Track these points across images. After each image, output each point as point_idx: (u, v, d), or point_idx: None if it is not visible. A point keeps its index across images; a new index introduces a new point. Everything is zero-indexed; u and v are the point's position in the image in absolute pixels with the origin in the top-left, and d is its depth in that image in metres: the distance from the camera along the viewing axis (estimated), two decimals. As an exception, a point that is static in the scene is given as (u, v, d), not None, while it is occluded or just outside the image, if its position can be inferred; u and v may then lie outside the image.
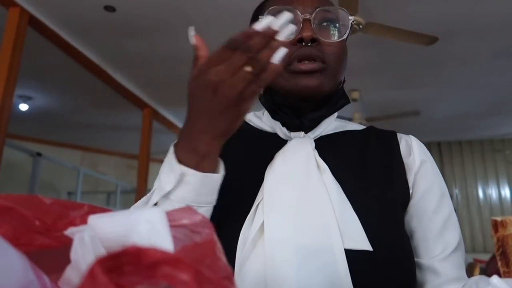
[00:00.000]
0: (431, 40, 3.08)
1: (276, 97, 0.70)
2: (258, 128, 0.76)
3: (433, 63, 4.06)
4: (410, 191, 0.68)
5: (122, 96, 4.58)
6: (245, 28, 0.50)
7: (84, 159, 6.81)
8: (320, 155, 0.66)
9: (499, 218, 0.45)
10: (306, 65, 0.65)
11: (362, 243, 0.57)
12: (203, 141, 0.54)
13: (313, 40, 0.65)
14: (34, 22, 3.14)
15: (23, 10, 3.01)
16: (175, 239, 0.25)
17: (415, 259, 0.66)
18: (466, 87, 4.69)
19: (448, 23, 3.31)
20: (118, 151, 7.10)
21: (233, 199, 0.65)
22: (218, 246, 0.26)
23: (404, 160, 0.70)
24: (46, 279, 0.24)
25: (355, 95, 4.70)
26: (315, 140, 0.70)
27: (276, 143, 0.69)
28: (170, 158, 0.57)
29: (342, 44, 0.69)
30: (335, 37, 0.67)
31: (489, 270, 3.32)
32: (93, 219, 0.25)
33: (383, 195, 0.65)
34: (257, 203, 0.61)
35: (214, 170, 0.57)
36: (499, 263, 0.44)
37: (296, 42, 0.65)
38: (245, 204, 0.62)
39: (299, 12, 0.66)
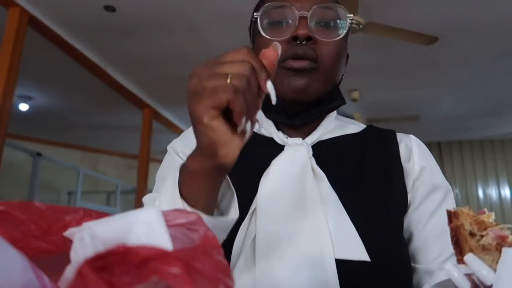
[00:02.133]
0: (431, 40, 3.08)
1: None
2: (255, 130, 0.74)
3: (433, 63, 4.05)
4: (409, 196, 0.66)
5: (122, 96, 4.58)
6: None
7: (84, 159, 6.81)
8: (318, 162, 0.65)
9: (452, 209, 0.47)
10: (297, 63, 0.62)
11: (358, 253, 0.57)
12: (193, 155, 0.47)
13: (308, 38, 0.62)
14: (34, 22, 3.14)
15: (23, 10, 3.01)
16: (174, 238, 0.25)
17: (414, 264, 0.65)
18: (466, 87, 4.69)
19: (448, 23, 3.31)
20: (118, 151, 7.10)
21: None
22: (215, 242, 0.26)
23: (403, 164, 0.68)
24: (45, 279, 0.24)
25: (355, 95, 4.70)
26: (313, 146, 0.68)
27: (272, 149, 0.67)
28: (174, 187, 0.49)
29: (340, 44, 0.65)
30: (332, 36, 0.64)
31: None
32: (90, 224, 0.25)
33: (382, 203, 0.63)
34: (250, 212, 0.61)
35: (213, 204, 0.50)
36: (454, 252, 0.46)
37: (291, 39, 0.63)
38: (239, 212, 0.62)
39: (295, 9, 0.63)
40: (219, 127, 0.42)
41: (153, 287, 0.21)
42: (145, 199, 0.67)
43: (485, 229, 0.44)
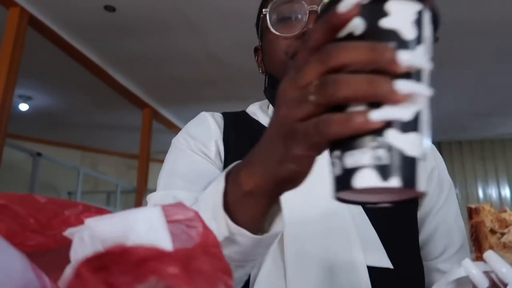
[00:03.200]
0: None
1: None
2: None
3: (434, 62, 4.05)
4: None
5: (122, 96, 4.58)
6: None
7: (84, 159, 6.81)
8: None
9: (473, 205, 0.47)
10: None
11: (383, 260, 0.56)
12: (250, 173, 0.39)
13: None
14: (34, 22, 3.14)
15: (23, 10, 3.01)
16: (172, 235, 0.25)
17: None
18: (466, 86, 4.69)
19: (449, 23, 3.31)
20: (118, 151, 7.10)
21: None
22: (214, 240, 0.26)
23: None
24: (45, 278, 0.24)
25: (355, 95, 4.70)
26: None
27: None
28: (216, 198, 0.42)
29: None
30: None
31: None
32: (90, 221, 0.25)
33: (400, 209, 0.63)
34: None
35: (262, 219, 0.43)
36: (473, 248, 0.46)
37: (301, 35, 0.60)
38: None
39: (305, 4, 0.60)
40: (311, 165, 0.36)
41: (152, 287, 0.21)
42: (152, 199, 0.62)
43: (507, 226, 0.43)
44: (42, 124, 5.81)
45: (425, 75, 0.31)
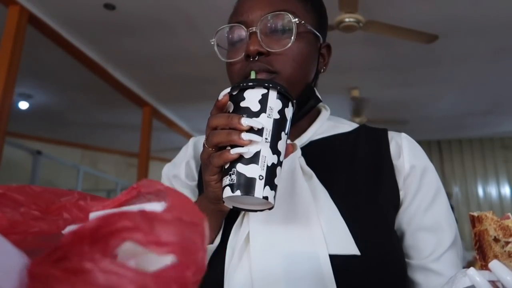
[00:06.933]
0: (431, 38, 3.07)
1: None
2: None
3: (433, 61, 4.05)
4: (401, 193, 0.67)
5: (122, 94, 4.58)
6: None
7: (84, 157, 6.81)
8: (309, 161, 0.66)
9: (476, 214, 0.47)
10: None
11: (349, 247, 0.58)
12: (200, 200, 0.61)
13: (260, 53, 0.63)
14: (33, 20, 3.14)
15: (22, 8, 3.01)
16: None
17: (408, 260, 0.65)
18: (466, 85, 4.69)
19: (448, 22, 3.31)
20: (118, 149, 7.10)
21: None
22: (189, 200, 0.26)
23: (394, 161, 0.68)
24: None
25: (354, 93, 4.70)
26: (305, 146, 0.70)
27: None
28: None
29: (296, 48, 0.64)
30: (283, 44, 0.64)
31: (488, 268, 3.32)
32: (95, 214, 0.25)
33: (372, 198, 0.65)
34: (243, 213, 0.63)
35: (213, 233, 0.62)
36: (477, 257, 0.46)
37: (245, 58, 0.64)
38: (231, 213, 0.63)
39: (244, 27, 0.65)
40: (218, 188, 0.55)
41: (125, 251, 0.21)
42: None
43: (511, 235, 0.43)
44: (42, 123, 5.81)
45: (267, 129, 0.51)
